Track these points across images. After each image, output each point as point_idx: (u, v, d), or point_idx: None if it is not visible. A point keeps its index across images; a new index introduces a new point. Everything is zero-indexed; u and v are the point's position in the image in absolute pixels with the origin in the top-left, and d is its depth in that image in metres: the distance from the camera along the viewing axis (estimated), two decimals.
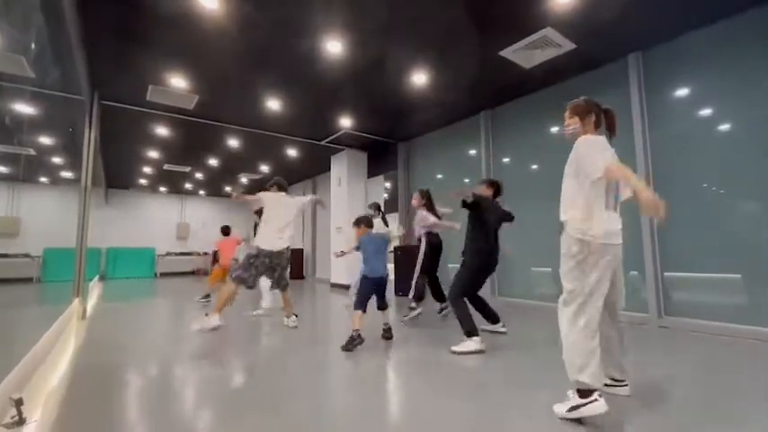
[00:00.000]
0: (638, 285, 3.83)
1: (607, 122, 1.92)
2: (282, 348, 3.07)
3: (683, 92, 3.70)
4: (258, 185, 11.38)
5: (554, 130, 4.71)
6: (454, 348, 2.78)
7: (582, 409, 1.61)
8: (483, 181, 3.48)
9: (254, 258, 3.60)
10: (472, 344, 2.77)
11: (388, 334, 3.16)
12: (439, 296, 4.25)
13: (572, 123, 1.90)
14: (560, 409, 1.69)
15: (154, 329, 3.98)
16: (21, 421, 1.55)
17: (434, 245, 4.08)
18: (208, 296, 5.65)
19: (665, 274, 3.68)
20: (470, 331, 2.81)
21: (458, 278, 3.07)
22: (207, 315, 3.45)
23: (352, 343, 2.84)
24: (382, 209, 5.27)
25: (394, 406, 1.94)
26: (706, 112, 3.54)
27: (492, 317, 3.38)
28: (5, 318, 4.13)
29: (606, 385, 1.85)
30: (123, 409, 1.94)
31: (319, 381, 2.31)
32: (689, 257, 3.55)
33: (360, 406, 1.91)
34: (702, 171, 3.52)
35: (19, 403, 1.55)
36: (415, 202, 4.26)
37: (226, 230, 6.07)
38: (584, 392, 1.63)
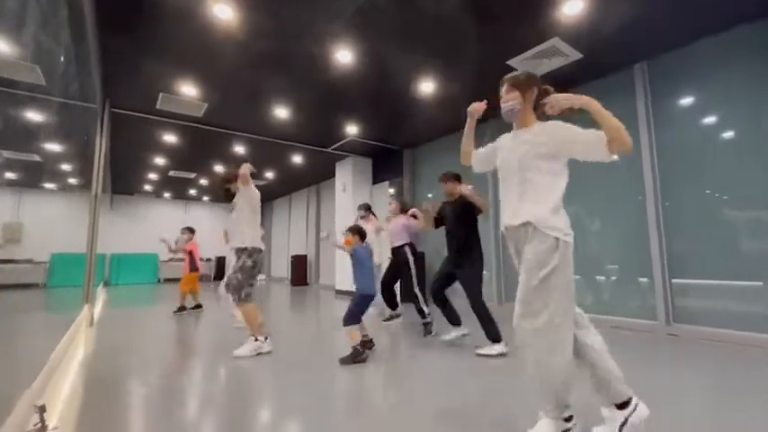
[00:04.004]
0: (646, 292, 3.85)
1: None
2: (295, 360, 3.09)
3: (689, 100, 3.73)
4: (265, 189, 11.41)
5: None
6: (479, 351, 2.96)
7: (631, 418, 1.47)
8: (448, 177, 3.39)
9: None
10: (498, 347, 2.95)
11: (371, 344, 3.14)
12: (394, 304, 4.38)
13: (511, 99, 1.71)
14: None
15: (161, 336, 3.98)
16: (43, 428, 1.56)
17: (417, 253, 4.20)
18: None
19: (674, 280, 3.69)
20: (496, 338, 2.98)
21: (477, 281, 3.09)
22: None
23: (360, 356, 2.81)
24: (372, 210, 5.06)
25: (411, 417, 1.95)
26: (712, 120, 3.57)
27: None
28: (24, 322, 4.15)
29: None
30: (137, 415, 1.95)
31: (327, 395, 2.32)
32: (697, 264, 3.56)
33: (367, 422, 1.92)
34: (709, 178, 3.54)
35: (42, 410, 1.55)
36: (392, 207, 4.33)
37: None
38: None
